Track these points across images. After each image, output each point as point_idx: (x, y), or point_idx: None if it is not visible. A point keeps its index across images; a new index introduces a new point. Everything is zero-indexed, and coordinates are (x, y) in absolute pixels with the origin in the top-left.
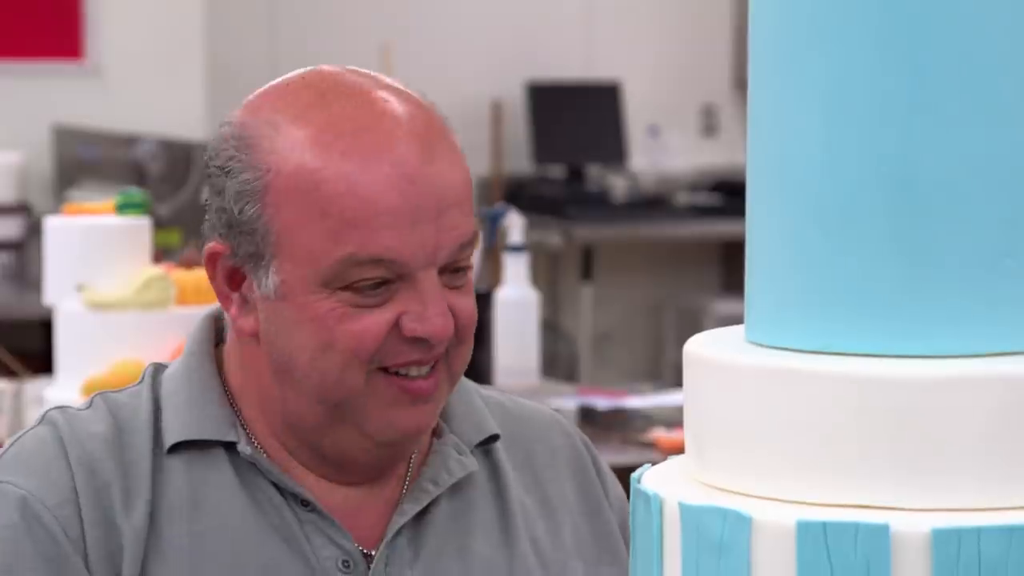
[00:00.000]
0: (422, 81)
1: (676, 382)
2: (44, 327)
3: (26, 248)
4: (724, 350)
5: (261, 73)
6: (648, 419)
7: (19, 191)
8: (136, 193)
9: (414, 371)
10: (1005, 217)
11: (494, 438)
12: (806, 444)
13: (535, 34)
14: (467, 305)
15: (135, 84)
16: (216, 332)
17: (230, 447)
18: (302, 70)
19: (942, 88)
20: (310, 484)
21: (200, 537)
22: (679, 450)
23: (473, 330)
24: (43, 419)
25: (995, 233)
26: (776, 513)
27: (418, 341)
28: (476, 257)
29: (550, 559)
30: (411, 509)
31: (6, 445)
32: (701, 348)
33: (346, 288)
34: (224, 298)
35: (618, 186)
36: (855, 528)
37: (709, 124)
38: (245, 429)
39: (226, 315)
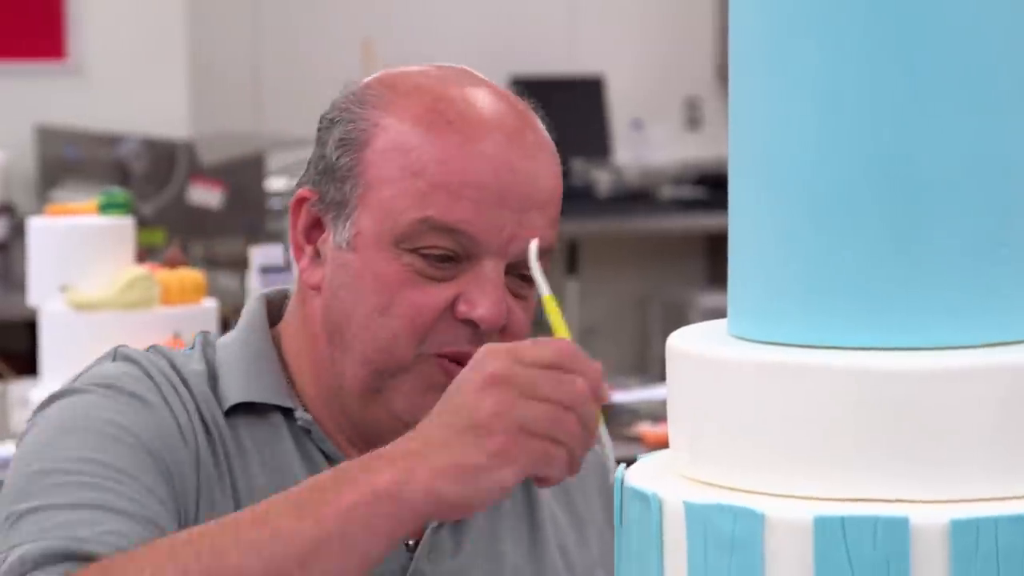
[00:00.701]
0: None
1: (662, 376)
2: (28, 328)
3: (10, 249)
4: (720, 347)
5: (244, 71)
6: (634, 413)
7: (2, 191)
8: (119, 193)
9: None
10: (998, 206)
11: None
12: (816, 440)
13: (518, 28)
14: (523, 319)
15: (118, 84)
16: (268, 313)
17: (287, 414)
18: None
19: (935, 78)
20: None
21: (261, 493)
22: (665, 444)
23: None
24: (115, 355)
25: (989, 222)
26: (791, 510)
27: (469, 325)
28: None
29: (579, 571)
30: None
31: (72, 378)
32: (693, 344)
33: (414, 251)
34: (298, 249)
35: (602, 180)
36: (874, 522)
37: (693, 117)
38: (300, 400)
39: (294, 268)
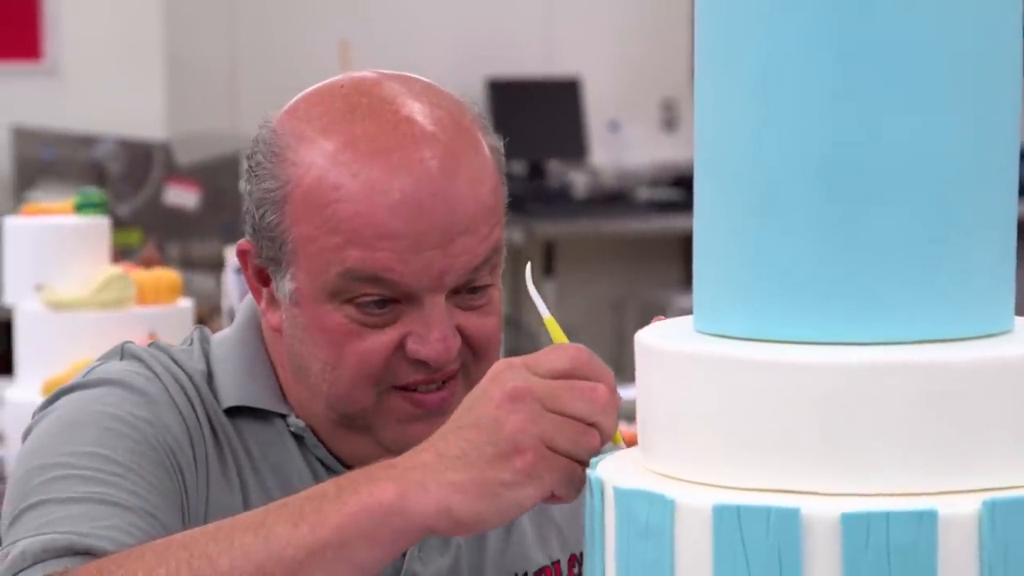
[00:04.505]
0: None
1: None
2: (4, 327)
3: None
4: (664, 338)
5: (220, 72)
6: None
7: None
8: (94, 193)
9: (423, 387)
10: (933, 204)
11: None
12: (727, 429)
13: (494, 30)
14: (483, 325)
15: (94, 84)
16: None
17: (284, 417)
18: (350, 74)
19: (872, 76)
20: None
21: (269, 493)
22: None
23: (493, 347)
24: (122, 352)
25: (923, 220)
26: (696, 497)
27: (421, 363)
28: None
29: (550, 539)
30: None
31: (80, 373)
32: (644, 336)
33: (350, 303)
34: (255, 292)
35: (579, 182)
36: (767, 512)
37: (669, 118)
38: (288, 404)
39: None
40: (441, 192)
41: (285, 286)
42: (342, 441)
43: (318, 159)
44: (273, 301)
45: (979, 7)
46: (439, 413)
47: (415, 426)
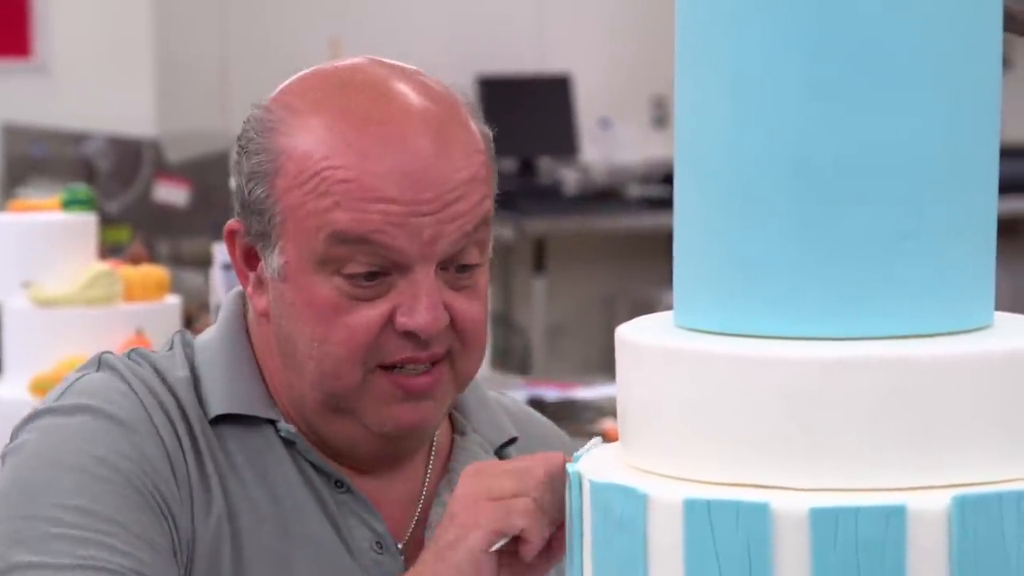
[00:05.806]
0: None
1: None
2: None
3: None
4: (641, 333)
5: (211, 69)
6: (598, 410)
7: None
8: (82, 189)
9: (410, 368)
10: (904, 199)
11: (512, 441)
12: (701, 423)
13: (485, 28)
14: (470, 309)
15: (84, 81)
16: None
17: (273, 423)
18: (345, 60)
19: (845, 74)
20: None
21: (256, 504)
22: None
23: (480, 336)
24: (99, 363)
25: (895, 215)
26: (668, 491)
27: (411, 336)
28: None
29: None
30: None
31: (57, 388)
32: (624, 331)
33: (339, 274)
34: (242, 276)
35: (570, 179)
36: (736, 506)
37: (660, 116)
38: (277, 408)
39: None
40: (435, 162)
41: (274, 261)
42: (330, 424)
43: (310, 130)
44: (260, 284)
45: (955, 4)
46: (424, 397)
47: (400, 407)
